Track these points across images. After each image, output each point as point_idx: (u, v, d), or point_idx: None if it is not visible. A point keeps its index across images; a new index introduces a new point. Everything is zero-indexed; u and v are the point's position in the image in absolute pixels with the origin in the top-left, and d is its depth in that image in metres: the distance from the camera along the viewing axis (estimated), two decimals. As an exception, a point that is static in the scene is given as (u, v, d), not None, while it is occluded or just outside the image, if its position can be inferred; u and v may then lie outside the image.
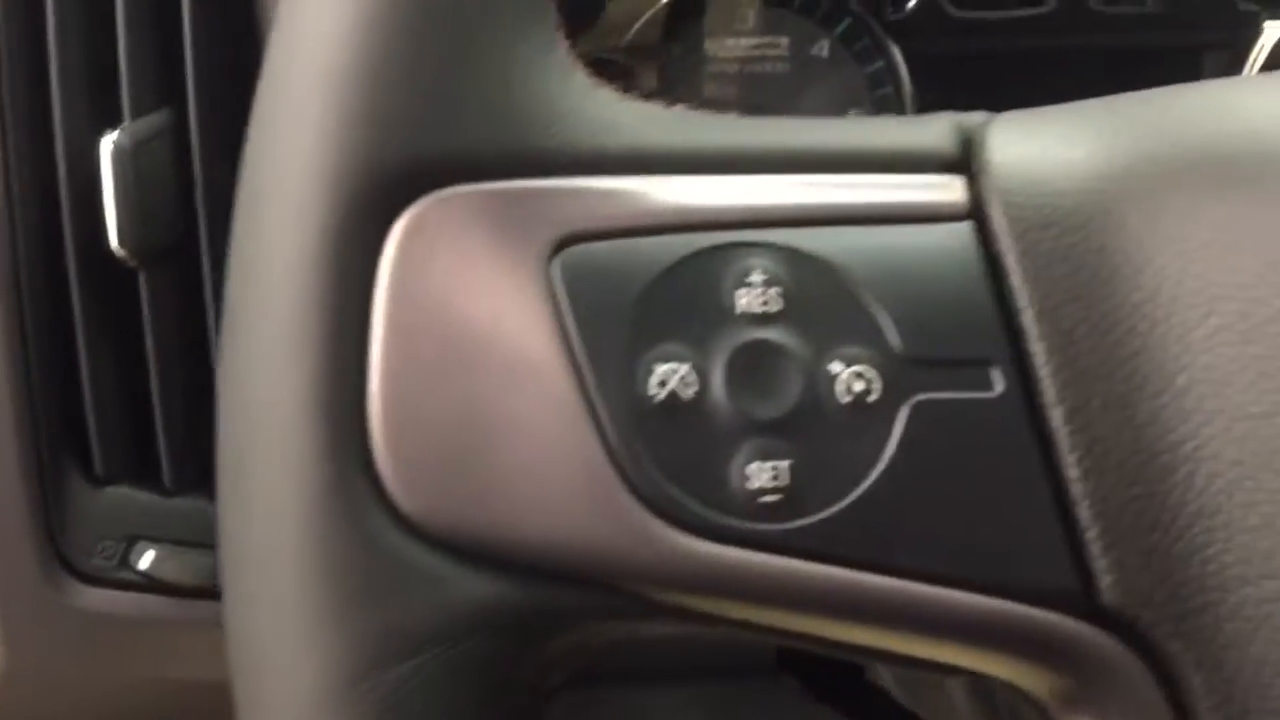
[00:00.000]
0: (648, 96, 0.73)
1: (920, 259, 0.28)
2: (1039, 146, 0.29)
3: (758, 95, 0.71)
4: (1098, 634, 0.27)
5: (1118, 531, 0.26)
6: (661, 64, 0.71)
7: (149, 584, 0.51)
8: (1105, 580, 0.26)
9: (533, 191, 0.27)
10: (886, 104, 0.70)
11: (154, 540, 0.50)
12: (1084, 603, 0.27)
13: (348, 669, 0.25)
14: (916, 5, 0.70)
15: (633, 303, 0.27)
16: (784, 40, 0.72)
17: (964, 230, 0.28)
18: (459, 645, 0.26)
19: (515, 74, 0.27)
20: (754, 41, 0.72)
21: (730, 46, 0.72)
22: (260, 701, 0.26)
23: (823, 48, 0.72)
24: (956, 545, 0.27)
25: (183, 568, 0.51)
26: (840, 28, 0.71)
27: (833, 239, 0.28)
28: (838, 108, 0.71)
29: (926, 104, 0.69)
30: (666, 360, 0.26)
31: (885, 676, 0.57)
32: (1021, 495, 0.27)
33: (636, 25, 0.70)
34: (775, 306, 0.27)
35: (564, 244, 0.27)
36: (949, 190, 0.29)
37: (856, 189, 0.28)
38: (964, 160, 0.29)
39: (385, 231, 0.26)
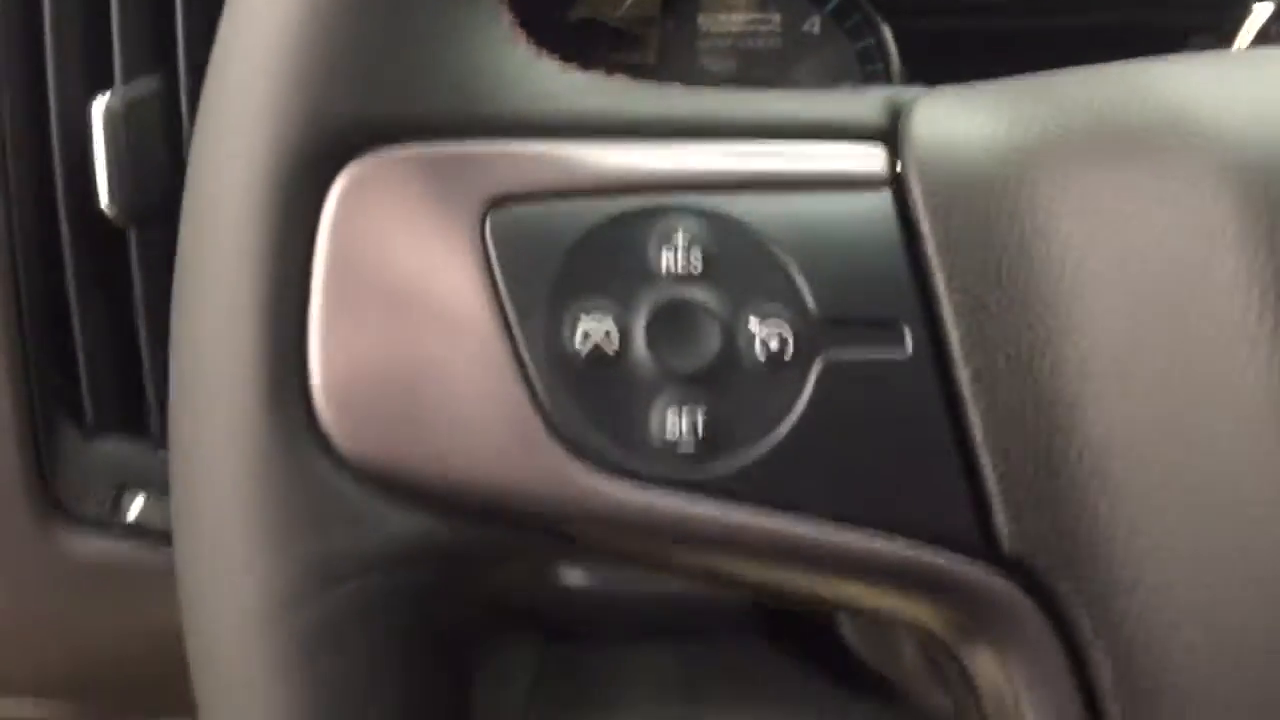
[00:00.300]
0: (644, 69, 0.74)
1: (839, 224, 0.29)
2: (961, 120, 0.30)
3: (751, 69, 0.72)
4: (996, 576, 0.28)
5: (1017, 482, 0.28)
6: (657, 37, 0.72)
7: (138, 531, 0.53)
8: (1004, 528, 0.28)
9: (469, 153, 0.28)
10: (876, 80, 0.71)
11: (143, 489, 0.52)
12: (984, 548, 0.28)
13: (286, 592, 0.27)
14: (904, -17, 0.71)
15: (560, 260, 0.28)
16: (776, 16, 0.73)
17: (884, 198, 0.29)
18: (391, 574, 0.27)
19: (458, 42, 0.29)
20: (747, 17, 0.73)
21: (723, 21, 0.73)
22: (205, 624, 0.28)
23: (814, 24, 0.73)
24: (864, 493, 0.28)
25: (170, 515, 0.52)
26: (831, 4, 0.72)
27: (755, 204, 0.29)
28: (829, 83, 0.72)
29: (915, 80, 0.71)
30: (591, 314, 0.28)
31: (848, 634, 0.58)
32: (928, 448, 0.28)
33: (632, -2, 0.71)
34: (697, 267, 0.28)
35: (497, 203, 0.28)
36: (873, 160, 0.30)
37: (782, 157, 0.30)
38: (891, 132, 0.30)
39: (327, 186, 0.28)
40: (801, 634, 0.64)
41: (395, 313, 0.28)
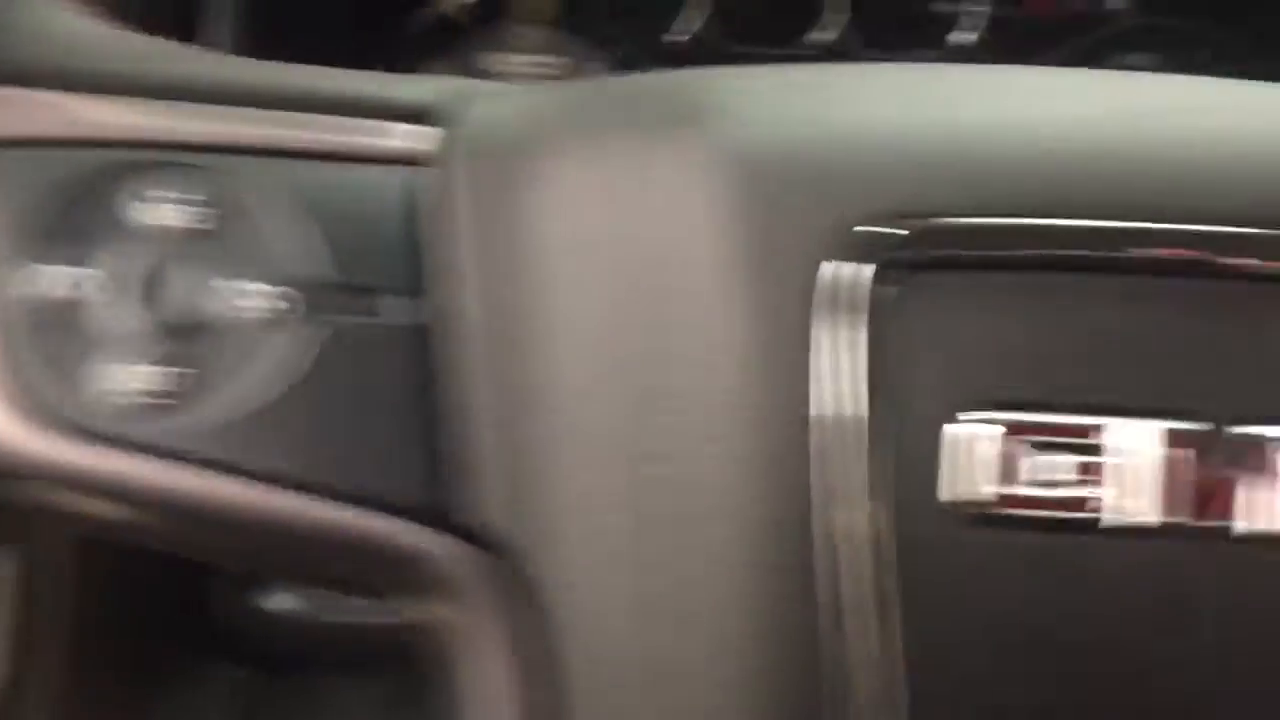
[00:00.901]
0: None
1: (351, 196, 0.29)
2: (505, 112, 0.30)
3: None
4: (451, 544, 0.28)
5: (483, 454, 0.27)
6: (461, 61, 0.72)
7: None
8: (464, 498, 0.27)
9: None
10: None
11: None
12: (441, 517, 0.28)
13: None
14: (692, 37, 0.72)
15: (29, 209, 0.27)
16: (562, 60, 0.73)
17: (402, 175, 0.29)
18: None
19: None
20: (532, 59, 0.73)
21: (509, 61, 0.73)
22: None
23: (598, 70, 0.73)
24: (332, 459, 0.28)
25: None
26: (616, 52, 0.72)
27: (264, 169, 0.28)
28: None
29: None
30: (57, 264, 0.27)
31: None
32: (401, 417, 0.28)
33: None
34: (192, 224, 0.28)
35: None
36: (406, 140, 0.29)
37: (311, 128, 0.29)
38: (442, 117, 0.30)
39: None
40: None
41: None
